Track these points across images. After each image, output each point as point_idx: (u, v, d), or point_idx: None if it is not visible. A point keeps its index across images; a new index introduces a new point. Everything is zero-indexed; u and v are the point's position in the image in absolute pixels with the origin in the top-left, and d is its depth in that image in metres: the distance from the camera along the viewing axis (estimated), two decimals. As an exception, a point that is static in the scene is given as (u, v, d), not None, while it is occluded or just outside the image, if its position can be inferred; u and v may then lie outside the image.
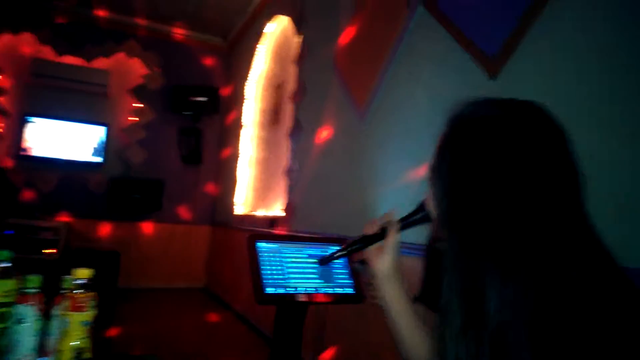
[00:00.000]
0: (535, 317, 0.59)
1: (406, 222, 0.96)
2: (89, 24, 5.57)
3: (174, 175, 6.00)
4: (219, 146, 6.28)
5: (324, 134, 3.33)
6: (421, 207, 0.95)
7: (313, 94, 3.64)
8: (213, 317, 4.63)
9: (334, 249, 2.02)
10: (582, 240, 0.64)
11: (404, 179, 2.33)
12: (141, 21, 5.81)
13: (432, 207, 0.81)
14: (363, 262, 1.35)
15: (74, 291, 0.90)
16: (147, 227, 5.83)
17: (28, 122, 5.24)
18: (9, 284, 0.86)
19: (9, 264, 0.87)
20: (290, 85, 4.13)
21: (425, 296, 1.44)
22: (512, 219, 0.63)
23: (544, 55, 1.64)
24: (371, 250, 0.97)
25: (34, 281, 0.94)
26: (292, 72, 4.13)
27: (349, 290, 1.91)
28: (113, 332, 3.80)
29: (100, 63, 5.63)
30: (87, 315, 0.89)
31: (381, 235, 0.96)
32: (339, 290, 1.88)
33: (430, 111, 2.22)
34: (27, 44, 5.33)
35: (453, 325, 0.64)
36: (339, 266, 1.98)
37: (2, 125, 5.19)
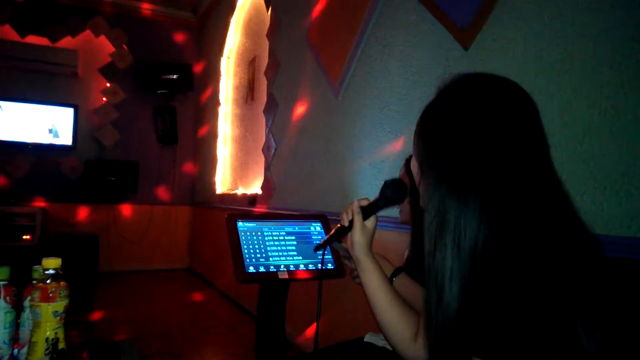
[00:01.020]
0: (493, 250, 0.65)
1: (367, 211, 1.05)
2: (52, 2, 5.33)
3: (151, 155, 5.90)
4: (195, 124, 6.18)
5: (300, 109, 3.30)
6: (382, 194, 1.06)
7: (287, 68, 3.59)
8: (197, 297, 4.65)
9: (314, 225, 2.03)
10: (552, 200, 0.70)
11: (380, 153, 2.33)
12: (106, -3, 5.59)
13: (415, 169, 0.85)
14: (346, 254, 1.39)
15: (45, 281, 0.88)
16: (126, 210, 5.76)
17: (-7, 106, 5.05)
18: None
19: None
20: (264, 60, 4.05)
21: (410, 267, 1.47)
22: (485, 161, 0.70)
23: (513, 27, 1.64)
24: (346, 237, 1.07)
25: (2, 272, 0.92)
26: (265, 46, 4.05)
27: (330, 266, 1.94)
28: (95, 316, 3.78)
29: (66, 42, 5.42)
30: (59, 305, 0.87)
31: (350, 225, 1.05)
32: (320, 266, 1.90)
33: (405, 83, 2.21)
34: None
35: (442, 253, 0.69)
36: (319, 242, 1.99)
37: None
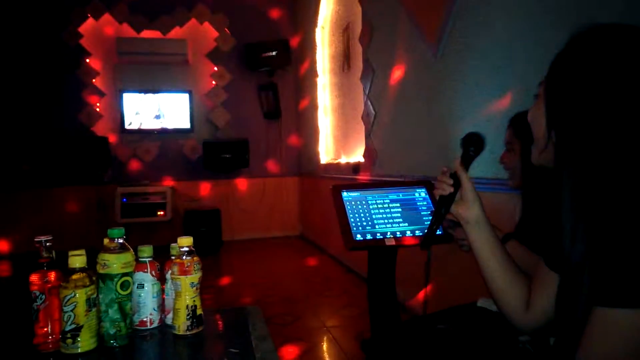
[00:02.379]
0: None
1: (467, 162, 1.02)
2: (159, -4, 5.79)
3: (258, 131, 6.24)
4: (297, 98, 6.37)
5: (397, 73, 3.23)
6: (468, 141, 1.03)
7: (381, 32, 3.52)
8: (311, 262, 4.91)
9: (419, 191, 2.03)
10: None
11: (485, 113, 2.22)
12: (206, -16, 5.91)
13: (538, 123, 0.82)
14: (451, 224, 1.37)
15: (181, 257, 1.01)
16: (241, 183, 6.20)
17: (123, 98, 5.70)
18: (127, 256, 1.00)
19: (123, 239, 1.00)
20: (358, 27, 4.01)
21: (521, 232, 1.42)
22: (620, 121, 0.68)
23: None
24: (453, 205, 1.01)
25: (147, 251, 1.08)
26: (358, 12, 4.00)
27: (437, 231, 1.93)
28: (223, 282, 4.20)
29: (176, 32, 5.87)
30: (194, 277, 1.01)
31: (455, 188, 0.99)
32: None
33: (508, 37, 2.05)
34: (108, 25, 5.70)
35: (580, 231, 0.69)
36: (424, 208, 1.99)
37: (100, 104, 5.69)
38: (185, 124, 5.92)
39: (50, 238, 1.01)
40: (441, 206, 1.02)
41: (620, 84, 0.68)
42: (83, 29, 5.59)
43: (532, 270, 0.93)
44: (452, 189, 1.00)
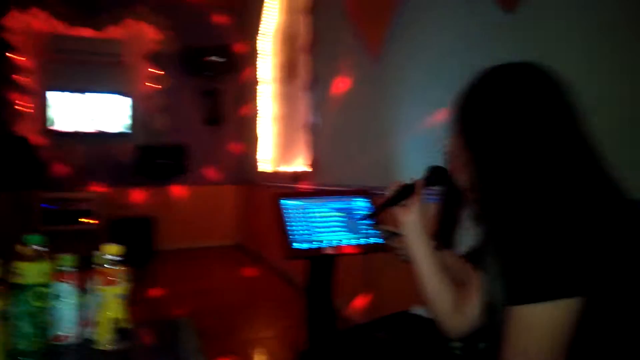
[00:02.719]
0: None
1: (428, 183, 1.11)
2: (96, -8, 5.50)
3: (198, 137, 6.06)
4: (239, 105, 6.27)
5: (340, 85, 3.27)
6: (435, 171, 1.13)
7: (327, 44, 3.55)
8: (248, 272, 4.81)
9: (358, 200, 2.04)
10: (587, 172, 0.78)
11: (423, 124, 2.29)
12: (147, -17, 5.70)
13: (454, 152, 0.94)
14: (388, 231, 1.43)
15: (105, 266, 0.94)
16: (177, 191, 5.98)
17: (51, 97, 5.33)
18: (44, 266, 0.91)
19: (43, 247, 0.91)
20: (304, 37, 4.03)
21: (440, 236, 1.47)
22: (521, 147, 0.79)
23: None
24: (398, 206, 1.10)
25: (68, 260, 1.00)
26: (304, 22, 4.02)
27: (376, 240, 1.95)
28: (154, 293, 4.00)
29: (112, 32, 5.60)
30: (120, 288, 0.93)
31: (406, 193, 1.10)
32: (366, 241, 1.92)
33: (446, 51, 2.14)
34: (39, 20, 5.33)
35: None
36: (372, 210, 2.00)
37: (27, 103, 5.29)
38: (119, 127, 5.63)
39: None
40: (397, 196, 1.12)
41: (521, 115, 0.80)
42: (7, 21, 5.19)
43: (465, 277, 0.98)
44: (394, 194, 1.11)
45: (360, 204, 2.01)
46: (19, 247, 0.91)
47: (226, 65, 5.92)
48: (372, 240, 1.94)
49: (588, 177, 0.77)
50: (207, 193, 6.12)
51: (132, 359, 0.95)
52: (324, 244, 1.89)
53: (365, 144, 2.94)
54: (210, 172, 6.16)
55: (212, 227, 6.17)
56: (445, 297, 0.97)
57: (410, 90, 2.42)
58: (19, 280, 0.89)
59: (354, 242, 1.91)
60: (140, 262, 5.03)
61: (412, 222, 1.06)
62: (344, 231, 1.95)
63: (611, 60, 1.38)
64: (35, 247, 0.90)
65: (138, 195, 5.76)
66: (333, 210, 1.99)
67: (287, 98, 4.73)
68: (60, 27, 5.39)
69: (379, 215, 1.20)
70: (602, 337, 0.71)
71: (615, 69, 1.36)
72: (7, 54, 5.18)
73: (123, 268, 0.95)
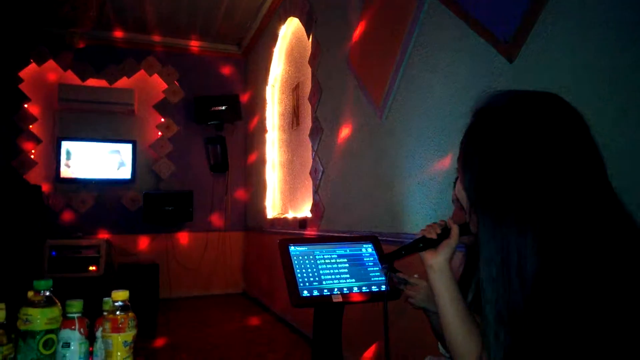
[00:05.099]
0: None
1: (463, 231, 1.05)
2: (108, 46, 5.74)
3: (204, 184, 6.12)
4: (245, 152, 6.37)
5: (345, 132, 3.33)
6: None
7: (330, 93, 3.65)
8: (254, 321, 4.71)
9: (365, 246, 2.03)
10: (607, 210, 0.69)
11: (429, 171, 2.31)
12: (157, 38, 5.94)
13: (462, 197, 0.85)
14: (401, 277, 1.41)
15: (115, 313, 0.93)
16: (183, 237, 5.96)
17: (61, 146, 5.44)
18: (54, 311, 0.91)
19: (50, 292, 0.91)
20: (307, 86, 4.14)
21: (462, 284, 1.44)
22: (538, 192, 0.69)
23: (560, 37, 1.60)
24: (428, 250, 1.05)
25: (76, 306, 0.99)
26: (307, 72, 4.15)
27: (384, 287, 1.92)
28: (158, 343, 3.91)
29: (123, 82, 5.79)
30: (128, 335, 0.93)
31: (441, 238, 1.05)
32: (374, 289, 1.89)
33: (450, 100, 2.19)
34: (51, 72, 5.54)
35: (494, 292, 0.70)
36: (371, 263, 1.99)
37: (35, 151, 5.40)
38: (126, 174, 5.71)
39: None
40: (420, 242, 1.07)
41: (528, 160, 0.71)
42: (24, 73, 5.39)
43: None
44: (435, 237, 1.05)
45: (367, 250, 2.00)
46: (29, 294, 0.91)
47: (232, 114, 6.06)
48: (381, 288, 1.91)
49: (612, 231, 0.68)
50: (213, 240, 6.11)
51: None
52: (332, 292, 1.87)
53: (370, 191, 2.96)
54: (216, 219, 6.17)
55: (217, 274, 6.11)
56: (469, 345, 0.93)
57: (415, 138, 2.46)
58: (28, 327, 0.88)
59: (364, 289, 1.88)
60: (146, 309, 4.94)
61: (443, 264, 1.02)
62: (352, 278, 1.92)
63: (611, 107, 1.41)
64: (44, 292, 0.91)
65: (144, 243, 5.75)
66: (341, 257, 1.97)
67: (292, 145, 4.80)
68: (73, 79, 5.58)
69: (399, 259, 1.15)
70: None
71: (610, 116, 1.39)
72: (24, 104, 5.34)
73: (131, 314, 0.95)
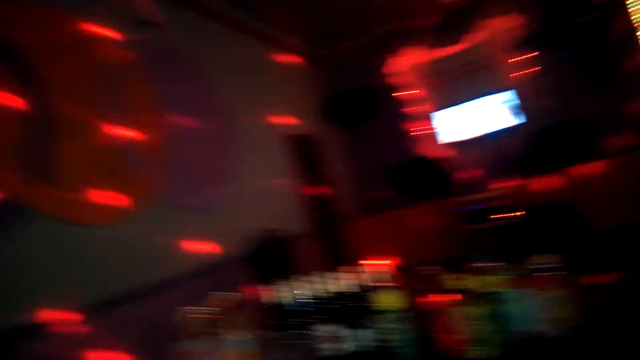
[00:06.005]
0: None
1: None
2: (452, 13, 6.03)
3: (588, 106, 5.43)
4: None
5: None
6: None
7: None
8: None
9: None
10: None
11: None
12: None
13: None
14: None
15: (541, 273, 1.06)
16: (588, 169, 5.36)
17: (438, 116, 6.21)
18: (493, 278, 1.11)
19: (486, 262, 1.12)
20: None
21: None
22: None
23: None
24: None
25: (512, 270, 1.16)
26: None
27: None
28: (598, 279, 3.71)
29: (473, 38, 5.97)
30: (559, 292, 1.03)
31: None
32: None
33: None
34: (410, 56, 6.34)
35: None
36: None
37: (419, 127, 6.31)
38: (508, 122, 5.86)
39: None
40: None
41: None
42: (384, 68, 6.39)
43: None
44: None
45: None
46: (472, 264, 1.14)
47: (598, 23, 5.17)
48: None
49: None
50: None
51: (582, 350, 1.00)
52: None
53: None
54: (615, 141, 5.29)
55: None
56: None
57: None
58: (479, 290, 1.11)
59: None
60: (574, 248, 4.67)
61: None
62: None
63: None
64: (481, 263, 1.12)
65: (546, 182, 5.59)
66: None
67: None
68: (429, 54, 6.19)
69: None
70: None
71: None
72: (393, 94, 6.36)
73: (557, 275, 1.04)
